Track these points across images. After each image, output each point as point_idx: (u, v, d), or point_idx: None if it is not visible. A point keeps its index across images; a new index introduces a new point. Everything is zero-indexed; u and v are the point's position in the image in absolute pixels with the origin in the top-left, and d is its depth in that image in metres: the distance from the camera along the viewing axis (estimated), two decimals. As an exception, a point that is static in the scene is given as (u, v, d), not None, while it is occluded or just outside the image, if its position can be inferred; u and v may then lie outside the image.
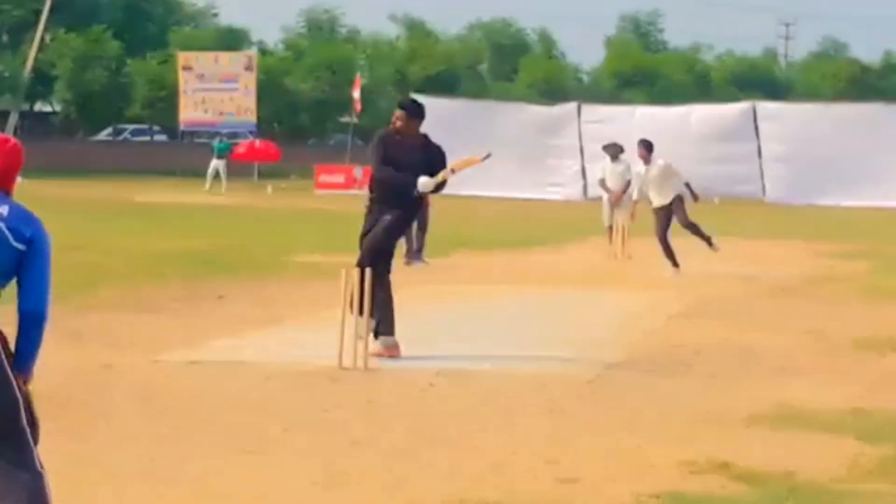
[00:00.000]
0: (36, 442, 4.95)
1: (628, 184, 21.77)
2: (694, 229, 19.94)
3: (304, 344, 11.38)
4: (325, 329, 11.27)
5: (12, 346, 4.97)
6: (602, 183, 22.52)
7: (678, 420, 8.78)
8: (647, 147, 19.71)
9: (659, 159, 19.74)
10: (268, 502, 6.69)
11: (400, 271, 18.70)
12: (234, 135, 59.17)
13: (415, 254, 19.70)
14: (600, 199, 23.66)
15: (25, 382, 4.97)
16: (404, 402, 9.29)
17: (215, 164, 46.54)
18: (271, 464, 7.35)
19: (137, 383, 9.63)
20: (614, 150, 22.21)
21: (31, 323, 4.94)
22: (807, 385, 10.22)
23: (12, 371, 4.88)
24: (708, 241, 19.99)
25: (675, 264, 19.27)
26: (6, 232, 4.92)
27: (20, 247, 4.94)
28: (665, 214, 19.59)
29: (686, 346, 12.14)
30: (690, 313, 14.72)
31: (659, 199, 19.61)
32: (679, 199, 19.74)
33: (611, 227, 21.93)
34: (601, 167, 22.71)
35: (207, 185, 45.50)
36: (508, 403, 9.33)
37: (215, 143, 48.81)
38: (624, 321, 14.11)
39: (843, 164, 45.12)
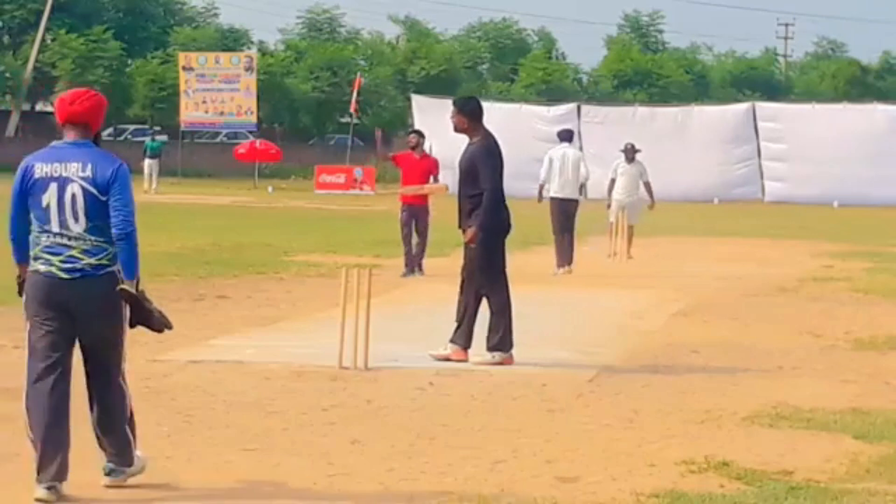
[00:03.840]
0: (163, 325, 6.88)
1: (647, 185, 21.70)
2: (569, 241, 19.16)
3: (304, 344, 11.39)
4: (325, 329, 11.29)
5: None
6: (611, 183, 21.85)
7: (677, 419, 8.80)
8: (560, 136, 20.26)
9: (572, 147, 19.88)
10: (268, 501, 6.70)
11: (396, 276, 18.73)
12: (235, 135, 59.18)
13: (414, 262, 18.59)
14: (600, 199, 23.54)
15: (137, 286, 6.59)
16: (404, 401, 9.30)
17: (149, 163, 44.93)
18: (271, 463, 7.37)
19: (137, 382, 9.60)
20: (630, 153, 21.95)
21: (123, 242, 6.50)
22: (806, 384, 10.24)
23: (123, 275, 6.54)
24: (565, 261, 19.11)
25: (568, 262, 19.05)
26: (94, 191, 6.49)
27: (104, 198, 6.49)
28: (560, 209, 19.26)
29: (685, 345, 12.16)
30: (690, 313, 14.74)
31: (566, 191, 19.40)
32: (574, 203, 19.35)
33: (612, 226, 21.73)
34: (613, 167, 22.01)
35: (146, 186, 43.32)
36: (508, 403, 9.35)
37: (147, 142, 47.31)
38: (623, 321, 14.12)
39: (842, 165, 45.14)
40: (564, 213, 19.33)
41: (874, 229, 30.93)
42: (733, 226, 31.78)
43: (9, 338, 11.47)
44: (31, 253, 6.61)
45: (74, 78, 61.11)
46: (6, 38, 68.82)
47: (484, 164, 11.08)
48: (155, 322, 6.82)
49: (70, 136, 6.62)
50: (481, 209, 11.04)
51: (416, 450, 7.76)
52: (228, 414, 8.71)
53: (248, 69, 55.08)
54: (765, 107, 49.47)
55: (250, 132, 57.32)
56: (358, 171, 48.65)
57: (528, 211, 20.15)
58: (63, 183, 6.49)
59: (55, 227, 6.51)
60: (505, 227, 11.34)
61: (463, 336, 11.05)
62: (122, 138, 67.10)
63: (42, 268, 6.56)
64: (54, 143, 6.69)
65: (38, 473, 6.52)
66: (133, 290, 6.57)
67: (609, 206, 21.75)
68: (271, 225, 27.48)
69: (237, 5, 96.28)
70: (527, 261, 21.27)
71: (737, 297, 16.33)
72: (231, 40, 66.98)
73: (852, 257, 22.79)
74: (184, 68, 54.86)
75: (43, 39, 62.54)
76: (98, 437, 6.72)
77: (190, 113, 54.60)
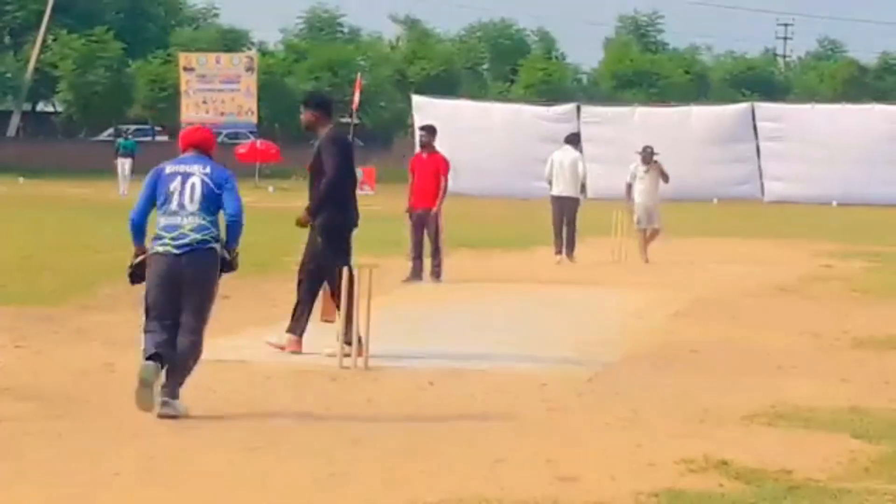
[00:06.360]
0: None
1: (667, 179, 21.82)
2: (568, 234, 21.01)
3: (305, 344, 11.40)
4: (324, 329, 11.31)
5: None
6: (628, 188, 21.84)
7: (677, 418, 8.82)
8: (565, 139, 22.23)
9: (572, 149, 21.52)
10: (268, 500, 6.72)
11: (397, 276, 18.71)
12: (236, 135, 59.15)
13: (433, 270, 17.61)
14: (597, 198, 23.61)
15: (233, 252, 8.78)
16: (404, 401, 9.32)
17: (121, 162, 42.55)
18: (272, 462, 7.39)
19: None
20: (648, 155, 21.92)
21: (233, 223, 8.71)
22: (805, 384, 10.26)
23: (227, 247, 8.68)
24: (565, 251, 20.92)
25: (569, 252, 20.83)
26: (211, 184, 8.55)
27: (218, 192, 8.58)
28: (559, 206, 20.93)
29: (684, 344, 12.18)
30: (689, 312, 14.75)
31: (565, 189, 21.03)
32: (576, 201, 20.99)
33: (644, 231, 21.63)
34: (631, 171, 21.93)
35: (123, 190, 40.55)
36: (508, 402, 9.37)
37: (121, 140, 45.46)
38: (623, 320, 14.14)
39: (841, 165, 45.13)
40: (563, 210, 20.96)
41: (873, 229, 30.93)
42: (733, 226, 31.78)
43: (9, 337, 11.50)
44: (153, 234, 8.47)
45: (75, 78, 61.13)
46: (7, 39, 68.85)
47: (328, 154, 11.12)
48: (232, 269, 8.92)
49: (191, 153, 8.77)
50: (318, 193, 11.03)
51: (416, 450, 7.78)
52: (229, 413, 8.73)
53: (249, 69, 55.06)
54: (764, 107, 49.46)
55: (251, 132, 57.32)
56: (358, 172, 48.55)
57: (528, 211, 20.16)
58: (186, 176, 8.54)
59: (174, 206, 8.46)
60: (350, 224, 11.32)
61: (298, 326, 11.17)
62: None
63: (160, 248, 8.41)
64: (181, 156, 8.78)
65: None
66: (230, 256, 8.72)
67: (634, 210, 21.67)
68: (272, 225, 27.43)
69: (237, 5, 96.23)
70: (527, 261, 21.32)
71: (736, 297, 16.34)
72: (231, 41, 66.96)
73: (851, 257, 22.79)
74: (184, 69, 54.85)
75: (44, 40, 62.54)
76: (168, 370, 8.36)
77: (190, 113, 54.56)
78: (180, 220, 8.45)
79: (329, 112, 11.43)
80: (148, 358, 8.34)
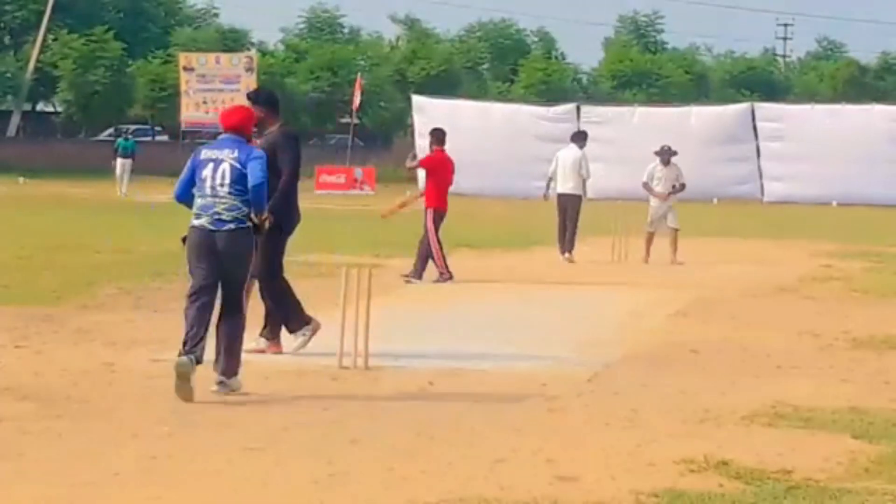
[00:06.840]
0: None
1: (682, 187, 21.78)
2: (569, 232, 21.17)
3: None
4: (324, 329, 11.30)
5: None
6: (646, 186, 21.84)
7: (677, 418, 8.82)
8: (572, 138, 22.19)
9: (575, 148, 21.51)
10: (268, 500, 6.73)
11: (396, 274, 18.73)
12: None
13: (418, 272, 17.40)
14: (595, 198, 23.58)
15: (260, 216, 9.32)
16: (404, 401, 9.32)
17: (121, 163, 41.88)
18: (272, 462, 7.39)
19: (138, 382, 9.67)
20: (666, 155, 21.89)
21: (257, 187, 9.22)
22: (805, 384, 10.26)
23: (254, 211, 9.25)
24: (565, 249, 20.99)
25: (569, 250, 20.98)
26: (238, 166, 9.27)
27: (245, 171, 9.25)
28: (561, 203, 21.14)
29: (684, 344, 12.18)
30: (689, 312, 14.76)
31: (567, 187, 21.25)
32: (578, 199, 21.22)
33: (651, 234, 21.56)
34: (648, 171, 21.88)
35: (119, 188, 40.94)
36: (508, 402, 9.37)
37: (120, 140, 44.45)
38: (623, 320, 14.15)
39: (841, 165, 45.14)
40: (565, 206, 21.14)
41: (873, 229, 30.94)
42: (733, 226, 31.79)
43: (9, 337, 11.50)
44: (193, 212, 9.31)
45: (75, 78, 61.10)
46: (7, 39, 68.83)
47: (283, 150, 11.01)
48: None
49: (227, 136, 9.50)
50: (277, 192, 10.83)
51: (416, 450, 7.78)
52: (229, 413, 8.74)
53: (249, 69, 55.04)
54: (764, 107, 49.47)
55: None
56: (358, 172, 48.65)
57: (528, 211, 20.16)
58: (217, 162, 9.30)
59: (208, 191, 9.25)
60: (293, 227, 11.37)
61: (275, 329, 11.21)
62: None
63: (196, 223, 9.28)
64: (217, 139, 9.61)
65: (183, 352, 8.99)
66: (258, 221, 9.34)
67: (663, 199, 21.64)
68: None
69: (237, 5, 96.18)
70: (527, 260, 21.32)
71: (736, 297, 16.34)
72: (231, 41, 66.92)
73: (851, 257, 22.79)
74: (184, 69, 54.83)
75: (44, 40, 62.53)
76: (218, 350, 9.31)
77: (190, 113, 54.57)
78: (214, 202, 9.23)
79: (277, 109, 11.27)
80: (181, 353, 8.99)
